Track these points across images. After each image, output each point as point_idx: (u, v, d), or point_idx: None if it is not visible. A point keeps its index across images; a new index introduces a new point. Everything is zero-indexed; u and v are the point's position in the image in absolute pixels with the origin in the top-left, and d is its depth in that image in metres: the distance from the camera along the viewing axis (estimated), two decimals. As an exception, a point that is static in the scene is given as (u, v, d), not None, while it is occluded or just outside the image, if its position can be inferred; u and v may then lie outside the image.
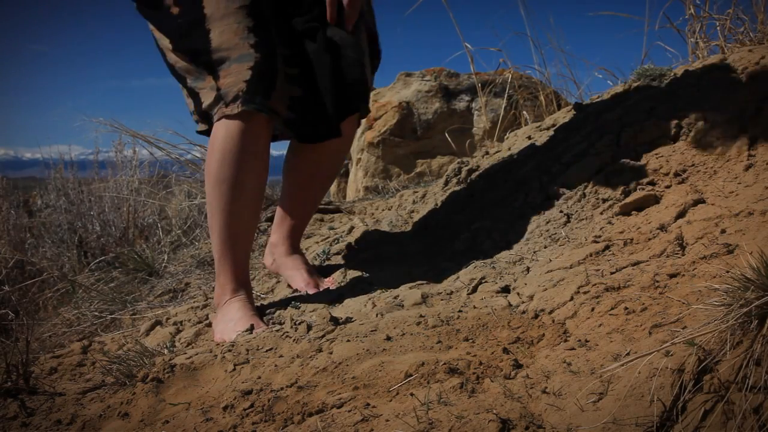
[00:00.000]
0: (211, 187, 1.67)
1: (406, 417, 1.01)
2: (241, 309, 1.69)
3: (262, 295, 2.03)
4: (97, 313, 2.22)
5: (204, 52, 1.65)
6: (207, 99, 1.67)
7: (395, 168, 3.85)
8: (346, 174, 4.20)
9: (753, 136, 1.84)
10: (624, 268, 1.44)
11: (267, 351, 1.44)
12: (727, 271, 1.06)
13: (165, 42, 1.73)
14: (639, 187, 1.93)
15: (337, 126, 1.77)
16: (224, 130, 1.64)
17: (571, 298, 1.41)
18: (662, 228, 1.60)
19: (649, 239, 1.57)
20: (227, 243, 1.69)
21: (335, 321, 1.52)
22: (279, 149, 2.06)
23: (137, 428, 1.23)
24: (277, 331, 1.58)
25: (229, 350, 1.49)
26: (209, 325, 1.85)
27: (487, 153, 2.67)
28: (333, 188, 4.16)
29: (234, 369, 1.37)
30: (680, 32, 2.67)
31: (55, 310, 2.49)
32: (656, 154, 1.99)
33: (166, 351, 1.69)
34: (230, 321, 1.67)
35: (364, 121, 2.98)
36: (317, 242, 2.49)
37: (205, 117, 1.72)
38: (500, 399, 1.04)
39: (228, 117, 1.63)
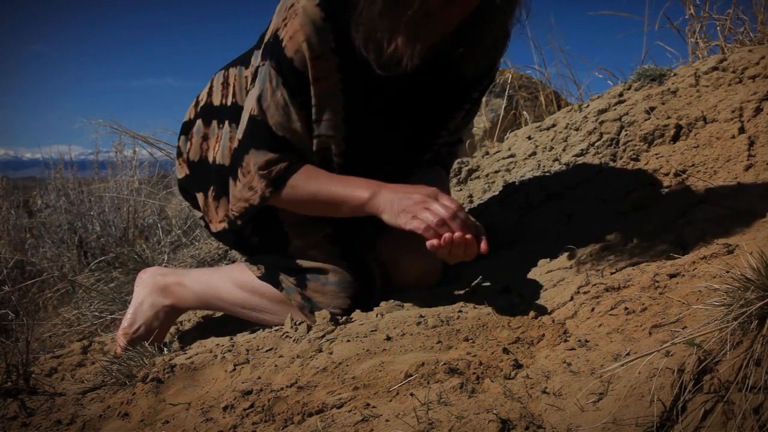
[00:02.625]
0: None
1: (406, 417, 1.01)
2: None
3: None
4: (97, 314, 2.22)
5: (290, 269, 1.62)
6: (288, 287, 1.62)
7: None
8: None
9: (753, 136, 1.84)
10: (624, 268, 1.44)
11: (267, 351, 1.44)
12: (727, 271, 1.06)
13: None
14: (639, 187, 1.93)
15: None
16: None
17: (571, 298, 1.41)
18: (662, 228, 1.60)
19: (650, 239, 1.57)
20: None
21: (335, 321, 1.52)
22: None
23: (137, 428, 1.23)
24: (277, 331, 1.58)
25: (229, 350, 1.49)
26: (209, 325, 1.86)
27: (487, 153, 2.67)
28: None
29: (234, 369, 1.37)
30: (680, 32, 2.68)
31: (55, 311, 2.49)
32: (656, 154, 1.99)
33: (166, 351, 1.69)
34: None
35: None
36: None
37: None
38: (500, 399, 1.04)
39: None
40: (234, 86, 1.68)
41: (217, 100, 1.72)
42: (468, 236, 1.33)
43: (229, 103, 1.68)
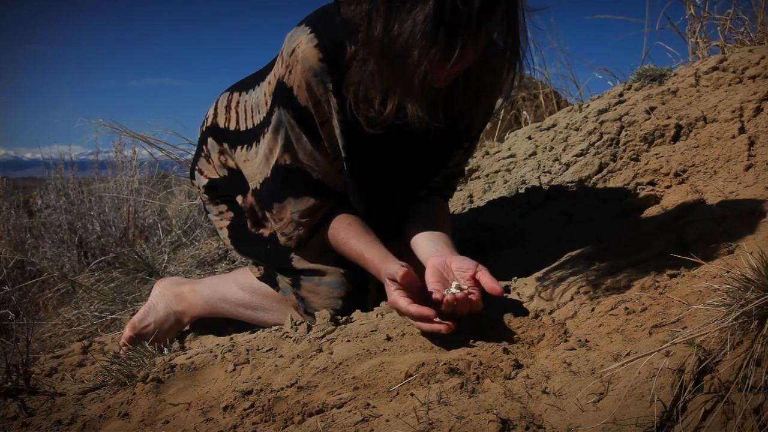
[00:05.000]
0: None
1: (406, 417, 1.01)
2: None
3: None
4: (97, 314, 2.22)
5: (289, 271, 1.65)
6: (284, 287, 1.66)
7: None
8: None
9: (753, 136, 1.84)
10: (624, 268, 1.44)
11: (267, 351, 1.44)
12: (727, 271, 1.06)
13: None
14: (639, 187, 1.93)
15: None
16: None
17: (571, 298, 1.41)
18: (662, 228, 1.60)
19: (650, 239, 1.57)
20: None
21: (335, 321, 1.52)
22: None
23: (137, 428, 1.23)
24: (277, 331, 1.58)
25: (230, 350, 1.49)
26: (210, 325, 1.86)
27: (487, 153, 2.67)
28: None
29: (234, 369, 1.37)
30: (680, 32, 2.68)
31: (55, 311, 2.49)
32: (656, 154, 1.99)
33: (166, 351, 1.69)
34: None
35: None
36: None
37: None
38: (500, 399, 1.04)
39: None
40: (236, 111, 1.71)
41: (221, 123, 1.75)
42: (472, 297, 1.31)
43: (232, 128, 1.71)
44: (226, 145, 1.72)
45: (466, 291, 1.32)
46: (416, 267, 1.48)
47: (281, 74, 1.46)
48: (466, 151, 1.68)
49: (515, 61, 1.33)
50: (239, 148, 1.67)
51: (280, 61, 1.48)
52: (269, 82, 1.55)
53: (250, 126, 1.64)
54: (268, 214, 1.61)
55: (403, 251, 1.54)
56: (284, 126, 1.49)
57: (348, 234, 1.52)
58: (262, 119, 1.59)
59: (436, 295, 1.29)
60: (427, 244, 1.50)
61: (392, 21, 1.24)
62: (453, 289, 1.32)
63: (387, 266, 1.38)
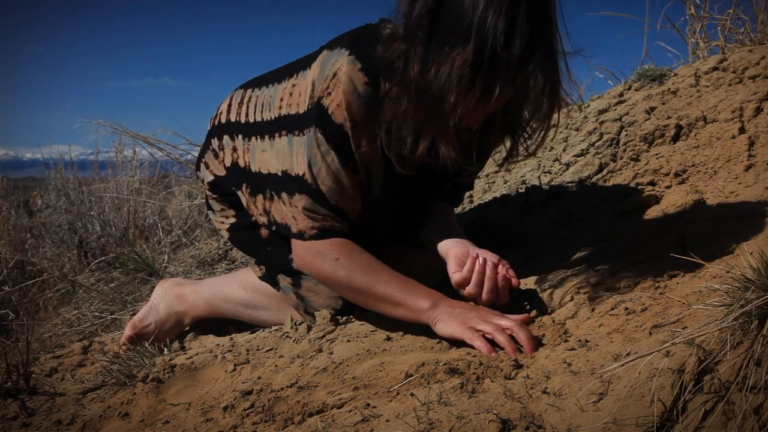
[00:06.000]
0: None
1: (406, 417, 1.01)
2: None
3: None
4: (97, 314, 2.22)
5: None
6: (283, 283, 1.65)
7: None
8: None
9: (753, 136, 1.84)
10: (624, 268, 1.44)
11: (267, 351, 1.44)
12: (727, 271, 1.06)
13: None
14: (639, 187, 1.93)
15: None
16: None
17: (572, 298, 1.41)
18: (662, 228, 1.60)
19: (650, 239, 1.57)
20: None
21: (335, 321, 1.52)
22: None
23: (137, 428, 1.23)
24: (277, 331, 1.58)
25: (230, 350, 1.49)
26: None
27: (487, 153, 2.67)
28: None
29: (234, 369, 1.37)
30: (680, 32, 2.67)
31: (55, 311, 2.49)
32: (656, 154, 1.99)
33: (166, 351, 1.69)
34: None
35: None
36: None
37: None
38: (500, 399, 1.04)
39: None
40: (248, 106, 1.69)
41: (233, 118, 1.73)
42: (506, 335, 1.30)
43: (243, 122, 1.70)
44: (240, 138, 1.69)
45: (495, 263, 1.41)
46: (428, 266, 1.50)
47: (319, 95, 1.43)
48: (481, 164, 1.70)
49: (554, 98, 1.31)
50: (254, 138, 1.64)
51: (319, 80, 1.44)
52: (296, 87, 1.53)
53: (259, 119, 1.63)
54: (278, 197, 1.56)
55: (409, 248, 1.56)
56: (313, 142, 1.45)
57: (375, 275, 1.44)
58: (273, 117, 1.57)
59: (464, 275, 1.39)
60: (443, 238, 1.53)
61: (430, 63, 1.24)
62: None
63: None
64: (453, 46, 1.20)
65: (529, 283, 1.58)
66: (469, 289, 1.39)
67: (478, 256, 1.41)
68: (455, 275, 1.41)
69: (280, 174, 1.56)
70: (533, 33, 1.19)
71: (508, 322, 1.29)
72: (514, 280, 1.40)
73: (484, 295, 1.38)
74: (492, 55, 1.18)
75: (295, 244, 1.52)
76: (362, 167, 1.48)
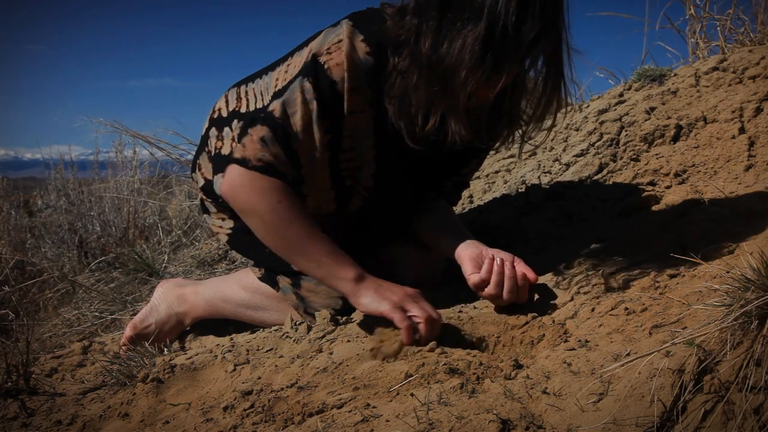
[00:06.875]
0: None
1: (406, 417, 1.01)
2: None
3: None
4: (97, 314, 2.22)
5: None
6: (283, 283, 1.65)
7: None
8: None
9: (753, 137, 1.84)
10: (624, 268, 1.44)
11: (267, 351, 1.44)
12: (727, 271, 1.06)
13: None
14: (639, 187, 1.93)
15: None
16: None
17: (572, 299, 1.41)
18: (663, 228, 1.60)
19: (650, 239, 1.57)
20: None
21: (335, 321, 1.52)
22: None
23: (137, 428, 1.23)
24: (277, 331, 1.58)
25: (230, 350, 1.49)
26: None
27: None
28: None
29: (234, 369, 1.37)
30: (680, 33, 2.67)
31: (55, 311, 2.49)
32: (656, 154, 1.99)
33: (166, 351, 1.69)
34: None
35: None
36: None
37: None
38: (500, 399, 1.04)
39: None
40: (246, 98, 1.68)
41: (232, 108, 1.70)
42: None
43: (243, 111, 1.66)
44: (226, 129, 1.67)
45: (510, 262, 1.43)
46: (428, 266, 1.50)
47: (317, 53, 1.40)
48: (480, 160, 1.69)
49: (557, 87, 1.33)
50: (235, 121, 1.60)
51: (318, 43, 1.42)
52: (290, 65, 1.50)
53: (260, 106, 1.59)
54: (231, 128, 1.54)
55: (409, 248, 1.56)
56: (297, 88, 1.40)
57: (309, 229, 1.43)
58: (271, 95, 1.52)
59: (483, 276, 1.40)
60: (453, 240, 1.54)
61: (442, 38, 1.25)
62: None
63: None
64: (465, 22, 1.22)
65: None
66: (489, 290, 1.40)
67: (494, 257, 1.42)
68: (473, 277, 1.42)
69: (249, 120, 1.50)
70: (543, 16, 1.21)
71: (435, 313, 1.33)
72: (531, 276, 1.41)
73: (506, 295, 1.39)
74: (503, 33, 1.20)
75: (232, 169, 1.45)
76: (349, 133, 1.46)
